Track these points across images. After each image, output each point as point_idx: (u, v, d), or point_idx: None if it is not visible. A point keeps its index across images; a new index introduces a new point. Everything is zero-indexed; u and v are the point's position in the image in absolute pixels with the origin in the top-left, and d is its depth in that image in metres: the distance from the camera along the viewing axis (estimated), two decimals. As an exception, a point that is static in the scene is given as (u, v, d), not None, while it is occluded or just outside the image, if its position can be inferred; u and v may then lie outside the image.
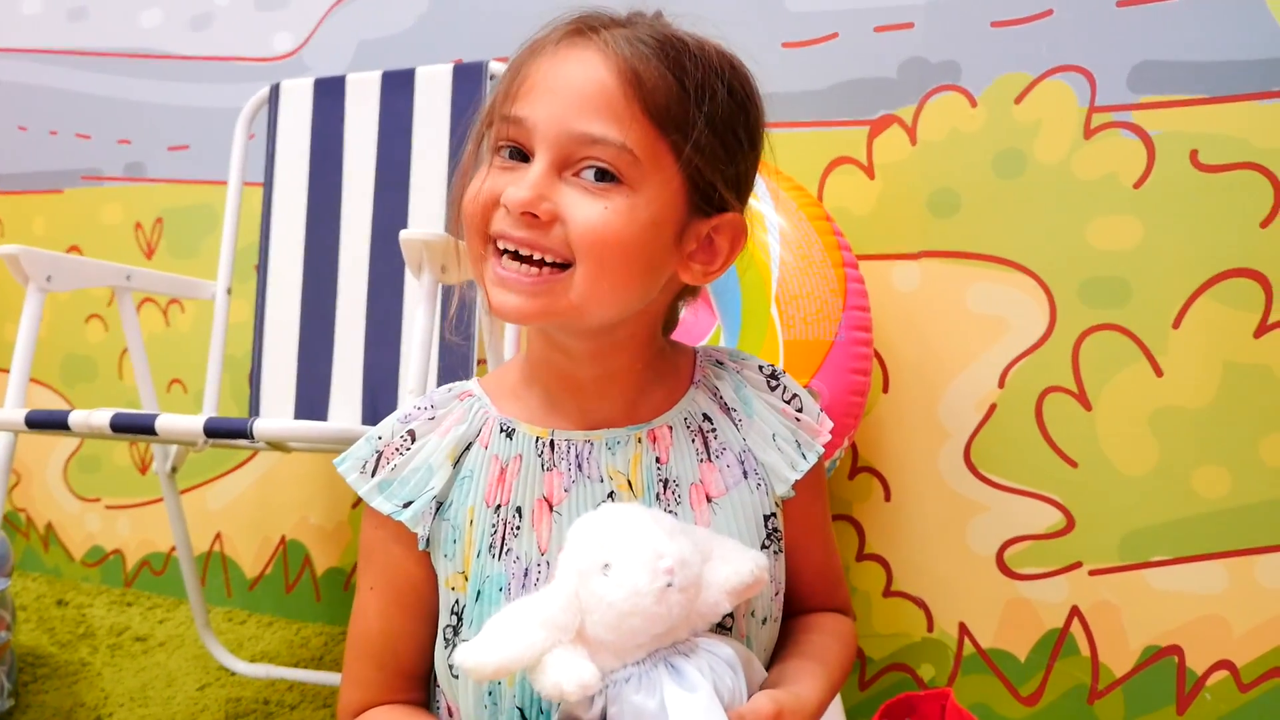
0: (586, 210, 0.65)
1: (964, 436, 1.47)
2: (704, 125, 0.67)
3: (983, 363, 1.45)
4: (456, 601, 0.72)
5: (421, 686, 0.77)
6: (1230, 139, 1.31)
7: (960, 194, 1.44)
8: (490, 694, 0.70)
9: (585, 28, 0.68)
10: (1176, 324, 1.34)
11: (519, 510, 0.72)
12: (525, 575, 0.71)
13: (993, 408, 1.45)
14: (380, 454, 0.74)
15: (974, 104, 1.42)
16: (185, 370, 2.06)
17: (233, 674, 1.76)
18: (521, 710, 0.69)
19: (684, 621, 0.64)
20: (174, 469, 1.71)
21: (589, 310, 0.67)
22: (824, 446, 0.78)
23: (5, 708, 1.51)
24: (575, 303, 0.66)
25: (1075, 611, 1.42)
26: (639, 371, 0.75)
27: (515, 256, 0.67)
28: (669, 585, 0.61)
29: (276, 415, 1.69)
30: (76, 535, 2.26)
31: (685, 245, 0.70)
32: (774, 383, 0.79)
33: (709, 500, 0.73)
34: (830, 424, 0.80)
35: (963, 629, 1.49)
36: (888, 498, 1.52)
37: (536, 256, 0.66)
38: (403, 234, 1.19)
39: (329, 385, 1.67)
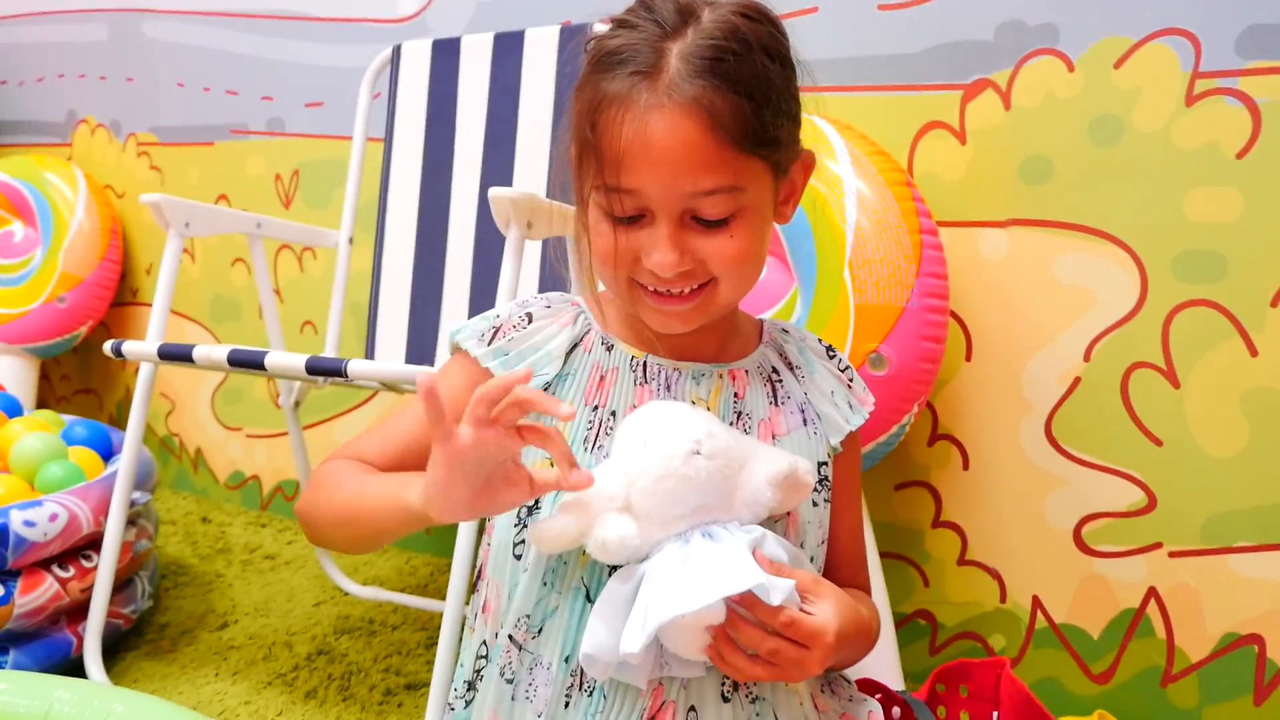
0: (719, 246, 0.74)
1: (1046, 409, 1.45)
2: (771, 116, 0.73)
3: (1068, 335, 1.42)
4: None
5: None
6: (1347, 108, 1.24)
7: (1053, 161, 1.41)
8: (553, 571, 0.75)
9: (649, 69, 0.71)
10: (1275, 302, 1.29)
11: (614, 414, 0.79)
12: None
13: (1076, 381, 1.42)
14: (497, 329, 0.82)
15: (1071, 68, 1.39)
16: (317, 312, 2.21)
17: (345, 594, 1.91)
18: (586, 589, 0.75)
19: (722, 500, 0.72)
20: (297, 403, 1.86)
21: (733, 305, 0.81)
22: (868, 413, 0.88)
23: (144, 607, 1.70)
24: (722, 304, 0.78)
25: (1153, 593, 1.40)
26: (721, 328, 0.84)
27: (668, 292, 0.77)
28: (696, 452, 0.70)
29: (389, 358, 1.81)
30: (221, 460, 2.47)
31: (778, 207, 0.80)
32: (831, 354, 0.90)
33: (774, 437, 0.82)
34: (873, 401, 0.89)
35: (1036, 602, 1.49)
36: (966, 466, 1.52)
37: (686, 290, 0.76)
38: (491, 192, 1.26)
39: (436, 333, 1.77)
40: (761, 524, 0.75)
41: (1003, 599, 1.51)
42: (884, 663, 1.41)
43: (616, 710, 0.75)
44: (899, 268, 1.30)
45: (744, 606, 0.70)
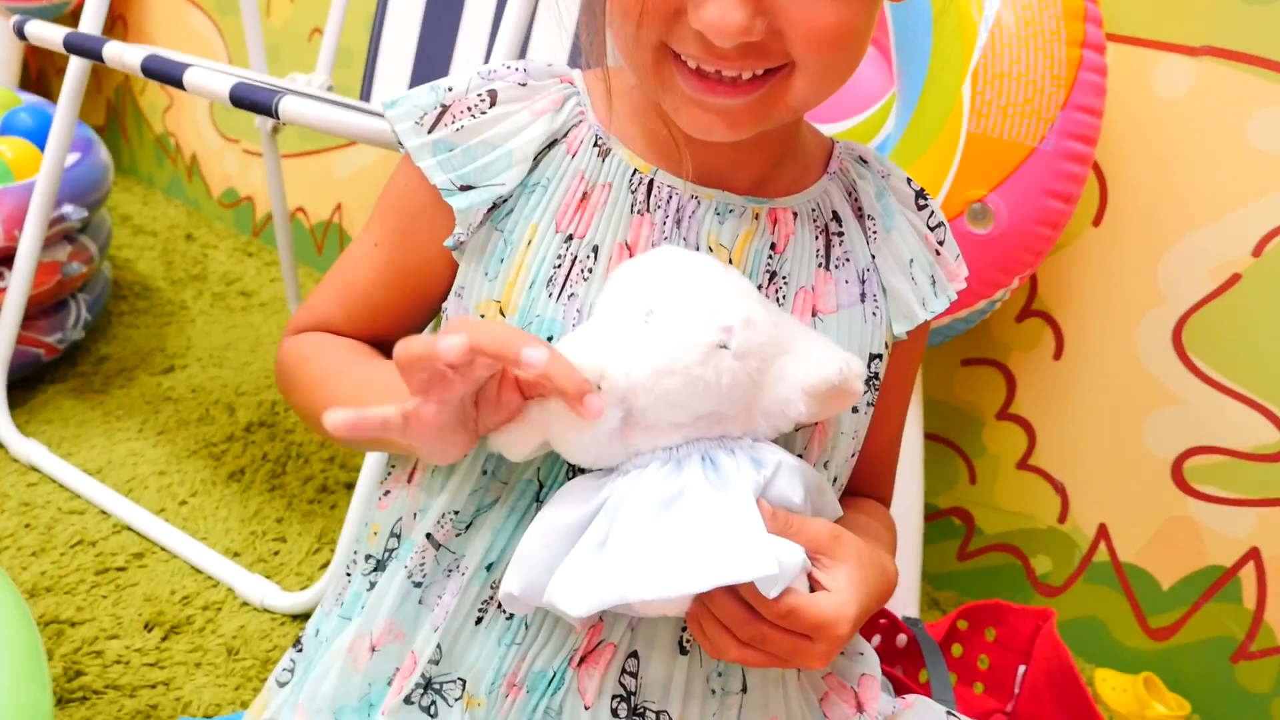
0: (808, 12, 0.50)
1: (1182, 305, 1.11)
2: None
3: (1240, 217, 1.06)
4: None
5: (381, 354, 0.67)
6: None
7: (1292, -28, 1.01)
8: (499, 456, 0.56)
9: None
10: None
11: (595, 249, 0.58)
12: None
13: (1234, 279, 1.08)
14: (446, 108, 0.59)
15: None
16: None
17: (314, 355, 1.69)
18: (540, 484, 0.58)
19: (739, 409, 0.53)
20: (275, 127, 1.56)
21: (801, 111, 0.56)
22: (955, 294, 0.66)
23: (75, 338, 1.49)
24: (793, 105, 0.54)
25: (1254, 554, 1.11)
26: (775, 141, 0.60)
27: (716, 74, 0.53)
28: (723, 345, 0.50)
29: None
30: (216, 173, 2.21)
31: None
32: (922, 202, 0.66)
33: (814, 314, 0.61)
34: (965, 275, 0.67)
35: (1102, 531, 1.21)
36: (1058, 354, 1.21)
37: (746, 75, 0.52)
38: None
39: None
40: (780, 436, 0.56)
41: (1061, 518, 1.24)
42: (901, 568, 1.17)
43: (539, 645, 0.59)
44: (1041, 90, 0.94)
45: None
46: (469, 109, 0.59)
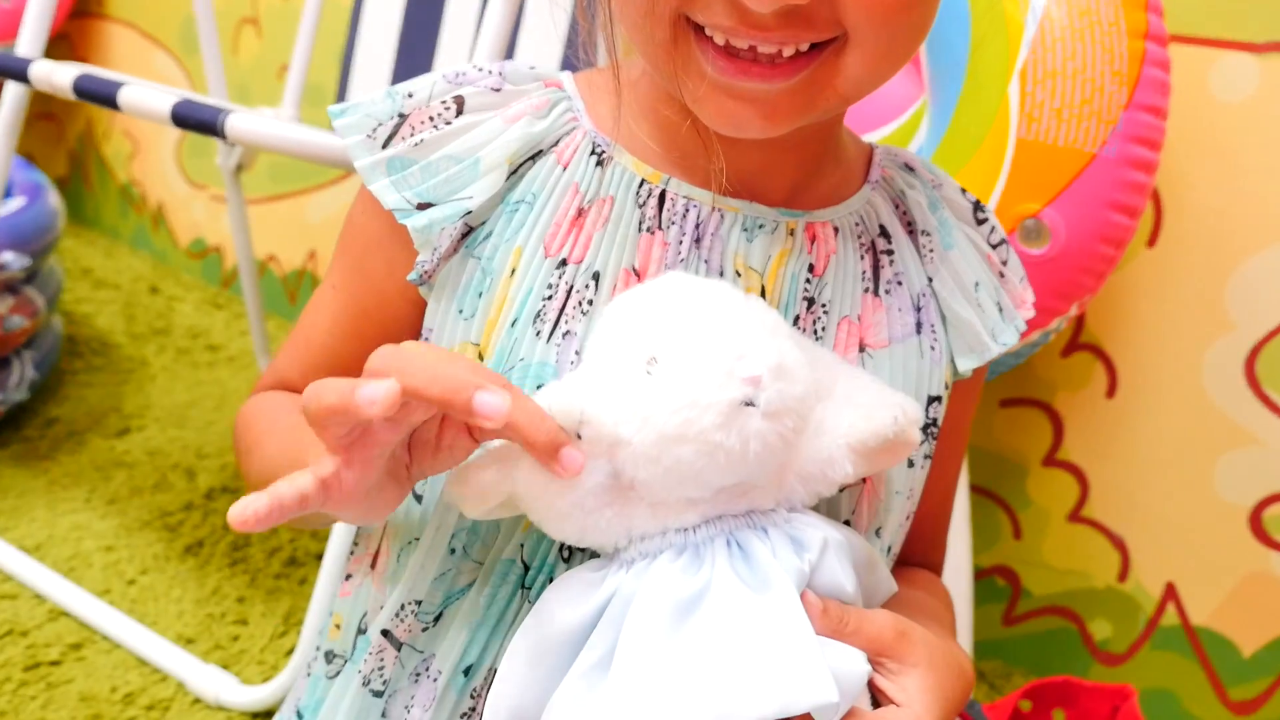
0: None
1: (1255, 333, 1.00)
2: None
3: (1320, 232, 0.95)
4: None
5: None
6: None
7: (1369, -44, 0.90)
8: (470, 531, 0.48)
9: None
10: None
11: (596, 278, 0.48)
12: None
13: (1315, 302, 0.96)
14: (404, 118, 0.49)
15: None
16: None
17: (285, 412, 1.56)
18: (524, 566, 0.47)
19: (770, 476, 0.43)
20: (240, 166, 1.44)
21: (854, 99, 0.46)
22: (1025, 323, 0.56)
23: (17, 399, 1.35)
24: (842, 93, 0.45)
25: (1349, 614, 0.98)
26: (816, 142, 0.51)
27: (749, 51, 0.43)
28: (748, 404, 0.40)
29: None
30: (183, 221, 2.08)
31: None
32: (981, 215, 0.56)
33: (861, 349, 0.51)
34: (1032, 301, 0.57)
35: (1170, 591, 1.08)
36: (1111, 392, 1.08)
37: (788, 52, 0.43)
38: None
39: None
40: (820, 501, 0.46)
41: (1122, 577, 1.10)
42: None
43: None
44: (1100, 89, 0.82)
45: None
46: (431, 119, 0.49)
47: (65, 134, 2.31)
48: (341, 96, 1.39)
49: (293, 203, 1.85)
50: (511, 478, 0.41)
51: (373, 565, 0.53)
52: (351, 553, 0.56)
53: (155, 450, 1.39)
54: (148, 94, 0.87)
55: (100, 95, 0.89)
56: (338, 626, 0.54)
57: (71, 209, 2.30)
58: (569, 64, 0.80)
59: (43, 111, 2.32)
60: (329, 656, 0.54)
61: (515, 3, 0.89)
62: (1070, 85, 0.82)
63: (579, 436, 0.40)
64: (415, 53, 1.33)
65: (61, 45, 2.17)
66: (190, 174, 2.05)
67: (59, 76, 0.92)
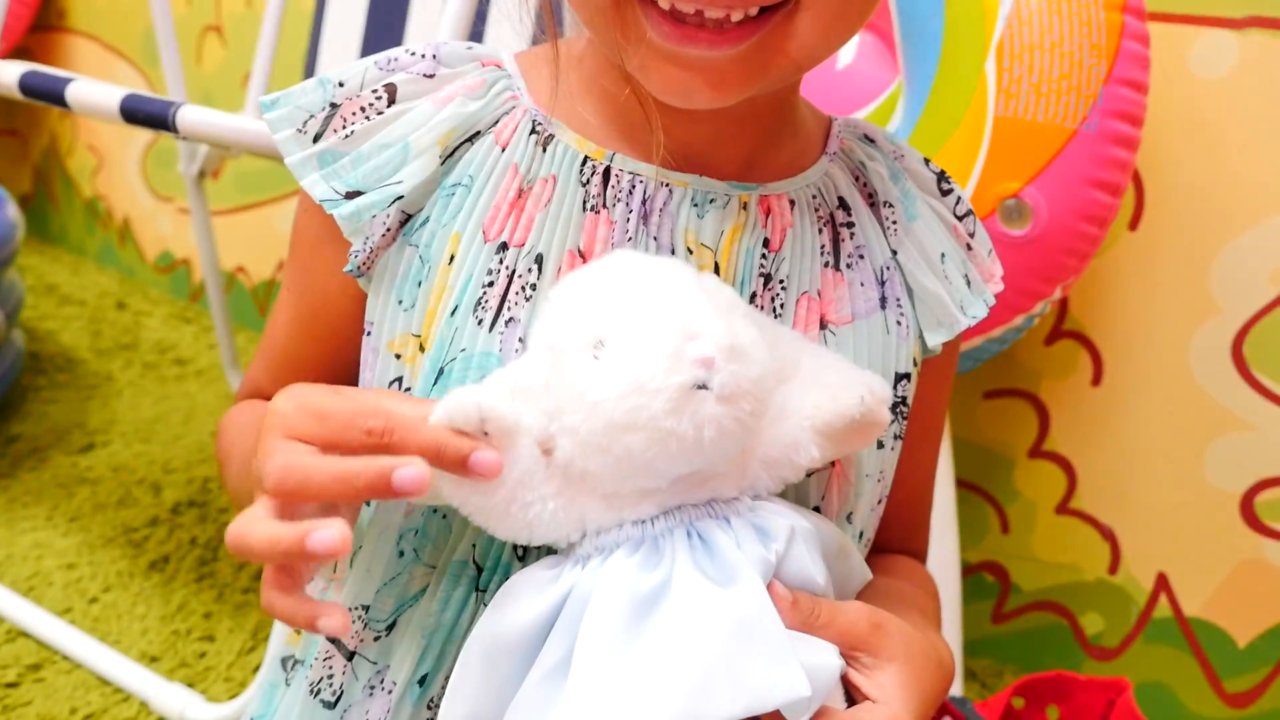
0: None
1: (1241, 316, 0.98)
2: None
3: (1305, 209, 0.93)
4: (400, 380, 0.47)
5: None
6: None
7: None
8: (419, 533, 0.46)
9: None
10: None
11: (539, 261, 0.46)
12: None
13: (1301, 281, 0.94)
14: (335, 108, 0.47)
15: None
16: (262, 63, 1.73)
17: (255, 424, 1.52)
18: (477, 567, 0.45)
19: (730, 463, 0.41)
20: (202, 173, 1.41)
21: (807, 66, 0.45)
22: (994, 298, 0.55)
23: (-26, 415, 1.31)
24: (794, 59, 0.43)
25: (1345, 600, 0.96)
26: (769, 111, 0.49)
27: (696, 16, 0.41)
28: (701, 387, 0.37)
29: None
30: (150, 235, 2.05)
31: None
32: (945, 185, 0.54)
33: (823, 326, 0.49)
34: (1000, 274, 0.55)
35: (1162, 582, 1.06)
36: (1096, 380, 1.06)
37: (736, 17, 0.41)
38: None
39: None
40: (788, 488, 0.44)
41: (1113, 569, 1.08)
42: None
43: None
44: (1079, 63, 0.80)
45: None
46: (363, 109, 0.47)
47: (29, 150, 2.27)
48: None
49: (260, 213, 1.81)
50: (436, 490, 0.39)
51: (334, 569, 0.50)
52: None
53: (120, 466, 1.35)
54: (96, 89, 0.84)
55: (47, 93, 0.85)
56: (297, 631, 0.52)
57: (37, 226, 2.26)
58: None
59: (6, 128, 2.28)
60: (285, 663, 0.52)
61: (473, 4, 0.87)
62: (1048, 59, 0.80)
63: (484, 434, 0.38)
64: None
65: (22, 59, 2.13)
66: (156, 186, 2.01)
67: (5, 75, 0.89)
